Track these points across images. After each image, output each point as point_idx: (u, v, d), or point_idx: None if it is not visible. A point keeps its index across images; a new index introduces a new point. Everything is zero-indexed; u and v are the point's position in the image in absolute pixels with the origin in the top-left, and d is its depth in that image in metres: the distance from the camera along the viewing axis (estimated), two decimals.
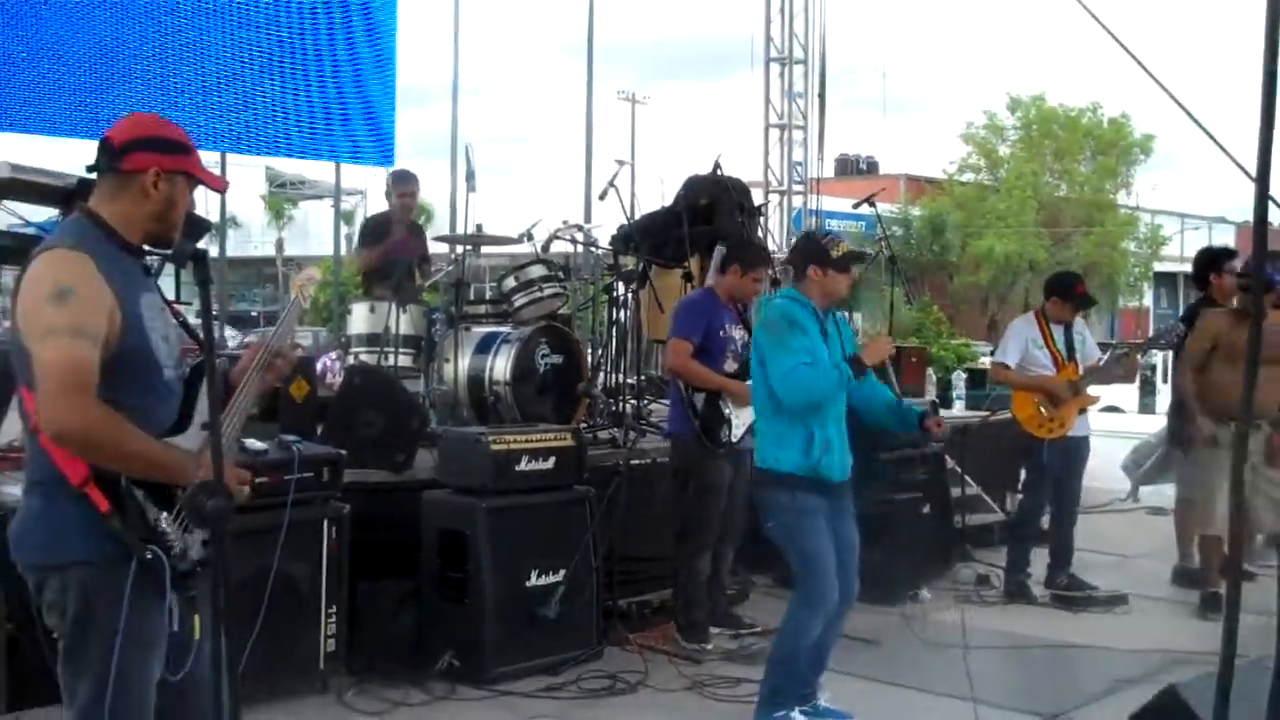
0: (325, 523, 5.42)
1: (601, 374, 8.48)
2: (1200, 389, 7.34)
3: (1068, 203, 42.78)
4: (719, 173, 11.20)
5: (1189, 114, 7.34)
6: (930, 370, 18.49)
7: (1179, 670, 5.53)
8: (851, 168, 47.12)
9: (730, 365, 6.43)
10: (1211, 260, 8.37)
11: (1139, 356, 8.01)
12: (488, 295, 8.68)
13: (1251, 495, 6.75)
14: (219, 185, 3.44)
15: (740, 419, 6.25)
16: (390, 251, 8.38)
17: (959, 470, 8.89)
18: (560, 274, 8.29)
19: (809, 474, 5.03)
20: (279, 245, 40.14)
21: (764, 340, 5.16)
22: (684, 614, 6.47)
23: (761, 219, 13.39)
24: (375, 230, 8.68)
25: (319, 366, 9.01)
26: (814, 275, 5.18)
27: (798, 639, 5.10)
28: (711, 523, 6.46)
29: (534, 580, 5.86)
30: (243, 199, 40.09)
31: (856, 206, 12.19)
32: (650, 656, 6.09)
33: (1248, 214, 2.69)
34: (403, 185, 8.77)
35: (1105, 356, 7.84)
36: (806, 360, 4.98)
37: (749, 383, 5.45)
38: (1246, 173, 3.12)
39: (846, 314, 9.08)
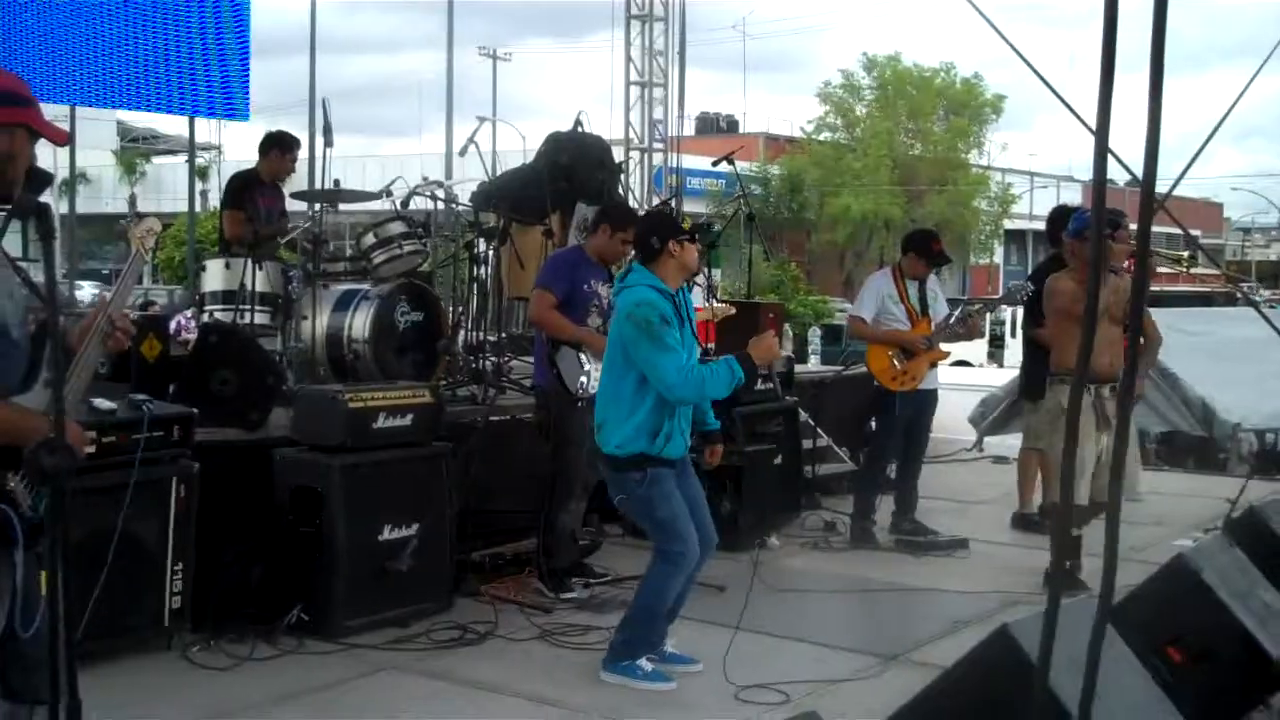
0: (174, 481, 5.38)
1: (462, 331, 8.50)
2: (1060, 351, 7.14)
3: (922, 161, 43.56)
4: (580, 130, 11.26)
5: (1034, 69, 7.58)
6: (787, 326, 18.80)
7: (1014, 610, 5.78)
8: (712, 126, 47.37)
9: (594, 320, 6.51)
10: (1064, 218, 8.66)
11: (988, 313, 8.28)
12: (347, 252, 8.62)
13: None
14: (60, 138, 3.39)
15: (599, 372, 6.35)
16: (261, 213, 8.29)
17: (812, 423, 9.11)
18: (420, 231, 8.26)
19: (655, 456, 5.18)
20: (131, 201, 39.08)
21: (635, 337, 5.13)
22: (548, 562, 6.57)
23: (622, 176, 13.50)
24: (241, 189, 8.56)
25: (173, 325, 8.87)
26: (674, 250, 5.25)
27: (661, 597, 5.23)
28: (577, 473, 6.56)
29: (387, 535, 5.87)
30: (93, 154, 38.98)
31: (716, 164, 12.36)
32: (501, 607, 6.16)
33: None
34: (292, 150, 8.66)
35: (954, 314, 8.10)
36: (684, 355, 5.10)
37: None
38: (1086, 125, 3.29)
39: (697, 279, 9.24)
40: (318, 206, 8.05)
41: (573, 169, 10.52)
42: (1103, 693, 3.03)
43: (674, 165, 17.06)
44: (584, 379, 6.36)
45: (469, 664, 5.49)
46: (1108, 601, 2.60)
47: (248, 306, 7.56)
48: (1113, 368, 6.75)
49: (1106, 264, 6.72)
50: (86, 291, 22.77)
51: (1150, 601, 4.02)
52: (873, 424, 8.54)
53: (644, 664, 5.24)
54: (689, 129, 26.28)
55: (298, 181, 9.16)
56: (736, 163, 11.71)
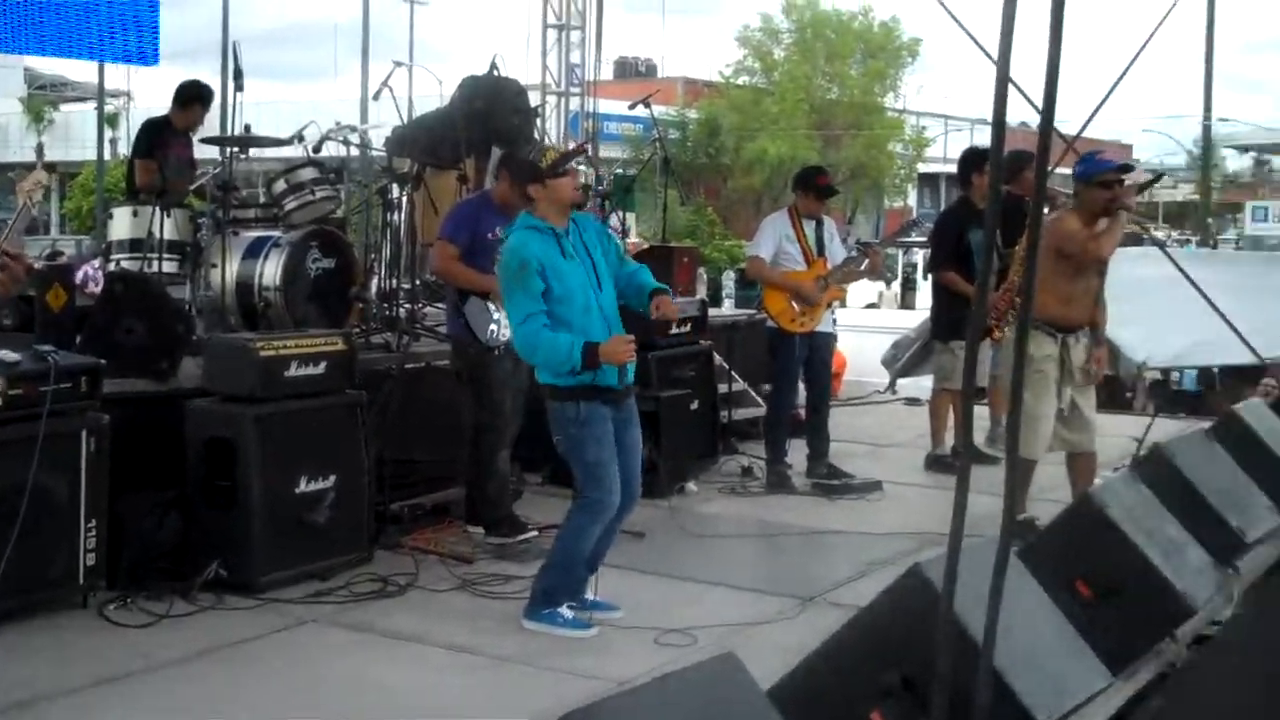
0: (84, 434, 5.29)
1: (375, 278, 8.43)
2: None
3: (839, 105, 43.64)
4: (496, 74, 11.15)
5: (945, 8, 7.61)
6: (702, 270, 18.82)
7: (927, 551, 5.86)
8: (630, 70, 47.08)
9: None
10: (974, 159, 8.75)
11: (880, 251, 8.34)
12: (259, 199, 8.48)
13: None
14: None
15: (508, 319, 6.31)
16: (172, 162, 8.16)
17: (726, 367, 9.15)
18: (333, 176, 8.17)
19: (589, 384, 5.14)
20: (39, 150, 38.23)
21: (502, 280, 5.23)
22: (492, 510, 6.54)
23: (538, 120, 13.40)
24: (153, 137, 8.39)
25: (79, 275, 8.69)
26: (537, 194, 5.21)
27: (578, 544, 5.24)
28: (505, 419, 6.54)
29: (304, 487, 5.82)
30: (1, 102, 38.00)
31: (632, 108, 12.32)
32: (421, 558, 6.15)
33: (1012, 116, 2.85)
34: (210, 104, 8.51)
35: (852, 253, 8.17)
36: (540, 310, 5.03)
37: None
38: (990, 57, 3.31)
39: (605, 215, 9.21)
40: (228, 152, 7.92)
41: (488, 113, 10.43)
42: (1012, 627, 3.10)
43: (591, 109, 16.97)
44: (494, 327, 6.33)
45: (390, 616, 5.48)
46: (1009, 536, 2.66)
47: (156, 255, 7.43)
48: (1081, 318, 6.68)
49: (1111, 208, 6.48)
50: None
51: (1059, 539, 4.12)
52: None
53: (565, 611, 5.27)
54: (607, 73, 26.07)
55: (208, 127, 9.01)
56: (654, 107, 11.68)
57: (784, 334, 7.90)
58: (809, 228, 7.97)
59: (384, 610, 5.55)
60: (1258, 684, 5.18)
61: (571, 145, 12.91)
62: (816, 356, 8.05)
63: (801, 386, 8.23)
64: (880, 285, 31.52)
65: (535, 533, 6.46)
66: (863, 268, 8.16)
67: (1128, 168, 6.68)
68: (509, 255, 5.15)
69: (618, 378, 5.20)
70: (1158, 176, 7.39)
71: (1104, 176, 6.48)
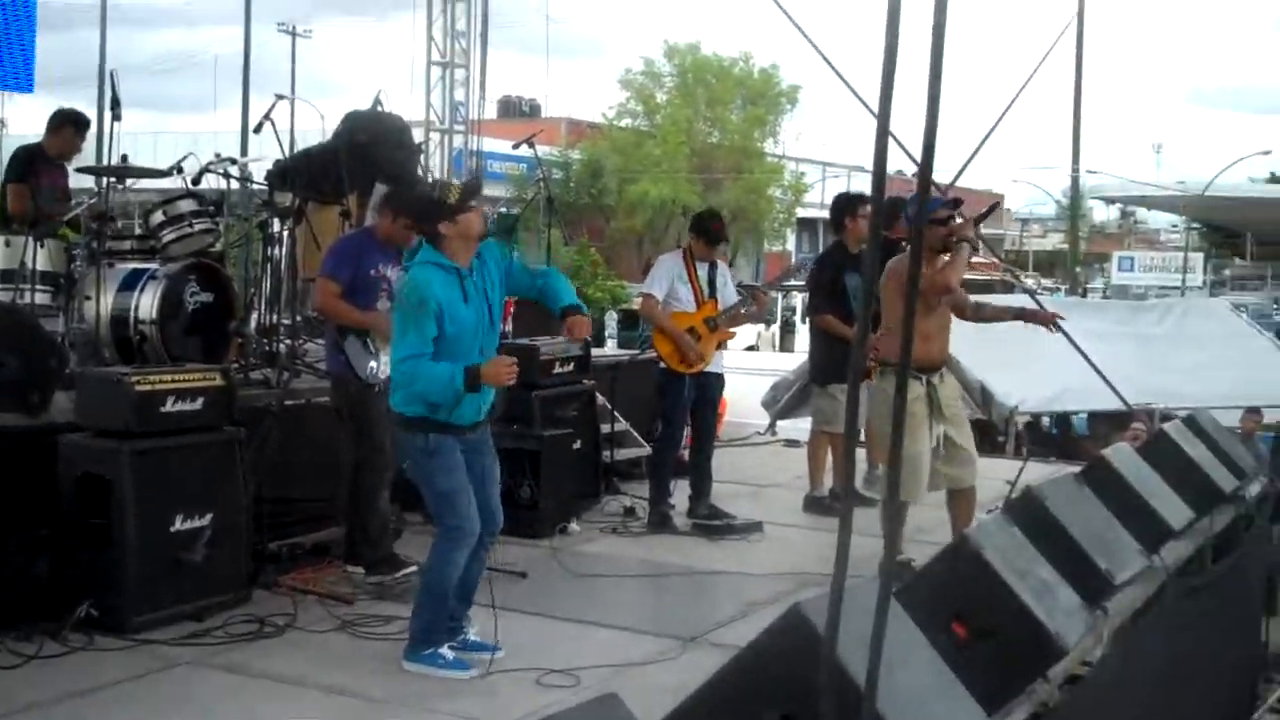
0: None
1: (254, 313, 8.31)
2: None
3: (719, 150, 44.21)
4: (380, 109, 11.09)
5: (824, 57, 7.77)
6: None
7: (807, 590, 5.93)
8: (514, 109, 47.21)
9: (384, 304, 6.43)
10: (847, 204, 8.91)
11: (767, 295, 8.45)
12: (135, 230, 8.33)
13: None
14: None
15: (388, 356, 6.27)
16: (45, 190, 7.99)
17: (609, 406, 9.18)
18: (212, 209, 8.06)
19: (439, 420, 5.14)
20: None
21: (398, 310, 5.22)
22: (371, 549, 6.47)
23: (422, 157, 13.36)
24: (26, 164, 8.21)
25: None
26: (448, 230, 5.17)
27: (445, 573, 5.20)
28: (386, 456, 6.46)
29: (179, 525, 5.71)
30: None
31: (516, 147, 12.36)
32: (300, 599, 6.06)
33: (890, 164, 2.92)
34: (84, 130, 8.35)
35: (742, 298, 8.26)
36: (426, 352, 5.01)
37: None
38: (870, 110, 3.39)
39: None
40: (104, 182, 7.77)
41: (371, 149, 10.36)
42: (891, 668, 3.14)
43: (475, 147, 16.98)
44: (373, 364, 6.29)
45: (267, 657, 5.39)
46: (889, 578, 2.71)
47: (28, 286, 7.25)
48: (941, 355, 6.88)
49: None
50: None
51: (935, 580, 4.16)
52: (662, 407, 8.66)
53: (445, 652, 5.23)
54: (491, 111, 26.10)
55: (84, 156, 8.83)
56: (538, 146, 11.71)
57: (673, 374, 7.95)
58: (702, 270, 8.06)
59: (261, 652, 5.45)
60: None
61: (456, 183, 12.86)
62: (704, 397, 8.12)
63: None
64: (759, 327, 31.84)
65: (414, 569, 6.41)
66: (749, 310, 8.26)
67: (957, 202, 6.92)
68: (410, 289, 5.11)
69: (470, 416, 5.20)
70: (993, 207, 7.63)
71: (936, 214, 6.71)
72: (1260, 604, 9.44)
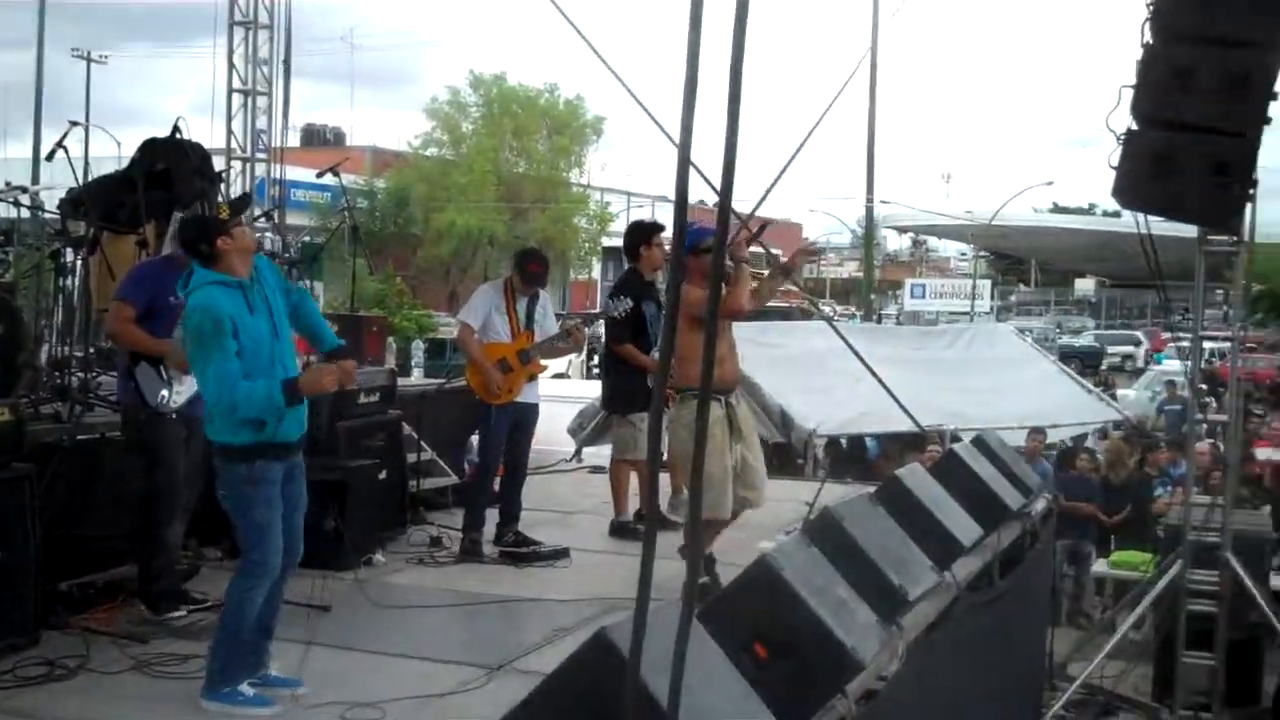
0: None
1: (46, 345, 8.04)
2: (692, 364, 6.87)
3: (526, 179, 44.34)
4: (179, 136, 10.84)
5: (627, 88, 7.89)
6: (391, 340, 18.67)
7: (613, 615, 5.98)
8: (318, 138, 46.60)
9: (179, 333, 6.29)
10: (642, 233, 9.05)
11: (583, 330, 8.51)
12: None
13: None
14: None
15: (182, 386, 6.12)
16: None
17: (415, 436, 9.12)
18: (1, 239, 7.78)
19: (268, 441, 5.07)
20: None
21: (187, 340, 5.11)
22: (153, 584, 6.29)
23: (223, 186, 13.06)
24: None
25: None
26: (226, 246, 5.10)
27: (242, 611, 5.10)
28: (176, 490, 6.31)
29: None
30: None
31: (320, 176, 12.19)
32: (93, 639, 5.86)
33: (691, 194, 2.98)
34: None
35: (557, 332, 8.32)
36: (239, 368, 4.95)
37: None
38: (671, 139, 3.47)
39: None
40: None
41: (170, 177, 10.12)
42: (694, 689, 3.21)
43: (277, 176, 16.71)
44: (165, 393, 6.14)
45: (59, 701, 5.19)
46: (691, 601, 2.77)
47: None
48: (734, 376, 7.07)
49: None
50: None
51: (736, 601, 4.25)
52: (475, 437, 8.67)
53: (245, 689, 5.12)
54: (294, 140, 25.75)
55: None
56: (342, 175, 11.59)
57: (485, 405, 7.96)
58: (521, 303, 8.09)
59: (52, 695, 5.26)
60: None
61: (257, 212, 12.67)
62: (519, 427, 8.14)
63: None
64: (572, 355, 31.97)
65: (209, 604, 6.27)
66: (565, 344, 8.33)
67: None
68: (200, 316, 4.99)
69: (295, 430, 5.16)
70: (762, 227, 7.88)
71: (706, 243, 6.85)
72: (1045, 615, 9.87)
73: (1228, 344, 12.17)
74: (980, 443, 7.72)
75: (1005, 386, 16.77)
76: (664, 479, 9.09)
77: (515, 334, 8.04)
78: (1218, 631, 9.86)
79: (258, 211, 14.93)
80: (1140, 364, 43.21)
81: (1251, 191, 8.91)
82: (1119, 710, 10.13)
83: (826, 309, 41.21)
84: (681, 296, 7.07)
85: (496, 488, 8.29)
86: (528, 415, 8.21)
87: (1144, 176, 8.68)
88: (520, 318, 8.08)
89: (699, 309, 6.73)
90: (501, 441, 8.07)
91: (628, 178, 56.42)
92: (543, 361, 8.23)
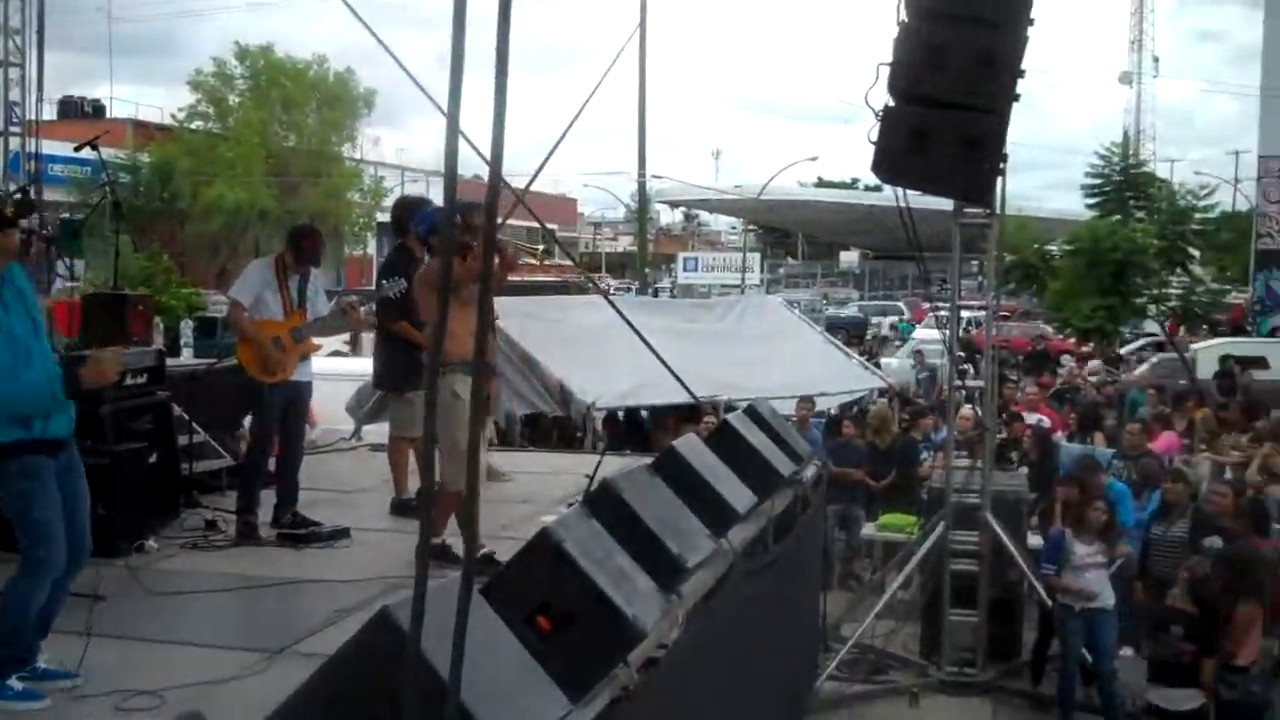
0: None
1: None
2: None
3: (296, 153, 43.39)
4: None
5: (399, 62, 7.85)
6: (158, 319, 18.09)
7: (395, 594, 5.96)
8: (75, 110, 44.71)
9: None
10: (408, 208, 9.00)
11: (360, 309, 8.40)
12: None
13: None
14: None
15: None
16: None
17: (186, 417, 8.89)
18: None
19: (39, 438, 4.93)
20: None
21: None
22: None
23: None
24: None
25: None
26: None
27: (25, 607, 4.95)
28: None
29: None
30: None
31: (79, 149, 11.75)
32: None
33: (464, 169, 2.99)
34: None
35: (331, 308, 8.20)
36: (5, 368, 4.81)
37: None
38: (440, 107, 3.47)
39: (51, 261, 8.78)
40: None
41: None
42: (478, 663, 3.25)
43: (33, 150, 15.99)
44: None
45: None
46: (470, 575, 2.81)
47: None
48: (488, 352, 7.09)
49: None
50: None
51: (518, 575, 4.30)
52: (249, 417, 8.50)
53: (14, 684, 4.95)
54: (50, 113, 24.65)
55: None
56: (102, 149, 11.17)
57: (258, 385, 7.80)
58: (293, 281, 7.94)
59: None
60: (700, 700, 5.65)
61: (12, 187, 12.14)
62: (292, 406, 8.01)
63: None
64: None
65: None
66: (341, 323, 8.22)
67: (470, 205, 7.37)
68: None
69: (65, 427, 5.04)
70: (546, 250, 8.05)
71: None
72: (818, 579, 10.21)
73: (983, 313, 12.73)
74: (752, 412, 7.92)
75: (776, 357, 17.19)
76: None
77: (288, 312, 7.90)
78: (980, 589, 10.38)
79: (13, 187, 14.32)
80: (883, 333, 44.73)
81: (1002, 166, 9.36)
82: (889, 668, 10.56)
83: (602, 283, 41.51)
84: (426, 274, 7.20)
85: (272, 468, 8.16)
86: (301, 394, 8.09)
87: (901, 152, 9.04)
88: (293, 295, 7.95)
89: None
90: (275, 421, 7.94)
91: (401, 153, 55.66)
92: (315, 340, 8.11)
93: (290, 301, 7.92)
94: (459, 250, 6.86)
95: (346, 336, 18.27)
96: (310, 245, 8.09)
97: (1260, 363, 25.50)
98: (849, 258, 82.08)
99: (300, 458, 8.22)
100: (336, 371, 12.67)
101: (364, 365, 11.92)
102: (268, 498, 8.01)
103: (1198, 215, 36.25)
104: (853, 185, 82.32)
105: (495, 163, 2.49)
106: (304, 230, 8.54)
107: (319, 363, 8.40)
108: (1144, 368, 27.56)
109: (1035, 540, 10.92)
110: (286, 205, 40.42)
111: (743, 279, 53.96)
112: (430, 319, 7.13)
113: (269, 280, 7.90)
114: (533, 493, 9.13)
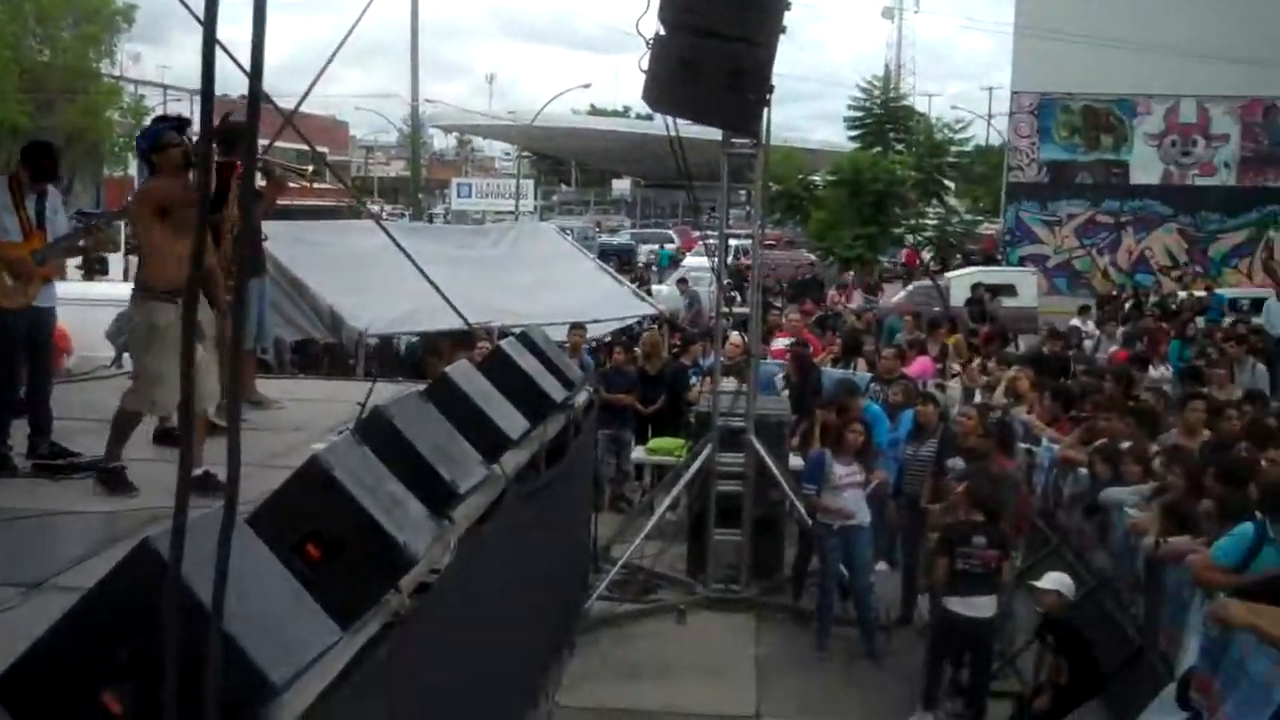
0: None
1: None
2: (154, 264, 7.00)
3: (51, 69, 41.41)
4: None
5: None
6: None
7: (159, 525, 5.81)
8: None
9: None
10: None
11: (105, 228, 8.11)
12: None
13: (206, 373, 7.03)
14: None
15: None
16: None
17: None
18: None
19: None
20: None
21: None
22: None
23: None
24: None
25: None
26: None
27: None
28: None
29: None
30: None
31: None
32: None
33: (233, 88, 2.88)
34: None
35: (73, 230, 7.88)
36: None
37: None
38: (196, 16, 3.35)
39: None
40: None
41: None
42: (245, 593, 3.23)
43: None
44: None
45: None
46: (234, 502, 2.80)
47: None
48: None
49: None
50: None
51: (287, 503, 4.27)
52: None
53: None
54: None
55: None
56: None
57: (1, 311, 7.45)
58: (30, 201, 7.56)
59: None
60: (473, 623, 5.72)
61: None
62: (39, 333, 7.68)
63: None
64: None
65: None
66: (84, 243, 7.89)
67: (184, 122, 7.31)
68: None
69: None
70: (225, 118, 7.82)
71: (170, 140, 7.05)
72: (589, 502, 10.38)
73: (749, 241, 13.01)
74: (525, 339, 7.98)
75: (549, 284, 17.28)
76: None
77: (27, 233, 7.53)
78: (744, 509, 10.71)
79: None
80: (643, 261, 45.27)
81: (768, 97, 9.57)
82: (658, 587, 10.82)
83: (374, 207, 40.82)
84: (143, 193, 6.99)
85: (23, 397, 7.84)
86: (47, 319, 7.77)
87: (671, 81, 9.16)
88: (31, 216, 7.58)
89: (172, 199, 6.77)
90: (19, 349, 7.62)
91: (164, 71, 53.50)
92: (59, 262, 7.77)
93: (29, 222, 7.55)
94: (186, 167, 6.75)
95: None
96: (48, 164, 7.74)
97: (1010, 290, 26.85)
98: (621, 186, 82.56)
99: (50, 385, 7.91)
100: (95, 296, 12.20)
101: (123, 290, 11.49)
102: (20, 428, 7.70)
103: (954, 149, 37.66)
104: (624, 114, 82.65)
105: (255, 75, 2.44)
106: (41, 147, 8.13)
107: (79, 288, 8.08)
108: (900, 295, 28.64)
109: (796, 461, 11.29)
110: (41, 123, 38.47)
111: (516, 206, 53.80)
112: (146, 242, 6.96)
113: (4, 201, 7.52)
114: (305, 421, 8.99)
